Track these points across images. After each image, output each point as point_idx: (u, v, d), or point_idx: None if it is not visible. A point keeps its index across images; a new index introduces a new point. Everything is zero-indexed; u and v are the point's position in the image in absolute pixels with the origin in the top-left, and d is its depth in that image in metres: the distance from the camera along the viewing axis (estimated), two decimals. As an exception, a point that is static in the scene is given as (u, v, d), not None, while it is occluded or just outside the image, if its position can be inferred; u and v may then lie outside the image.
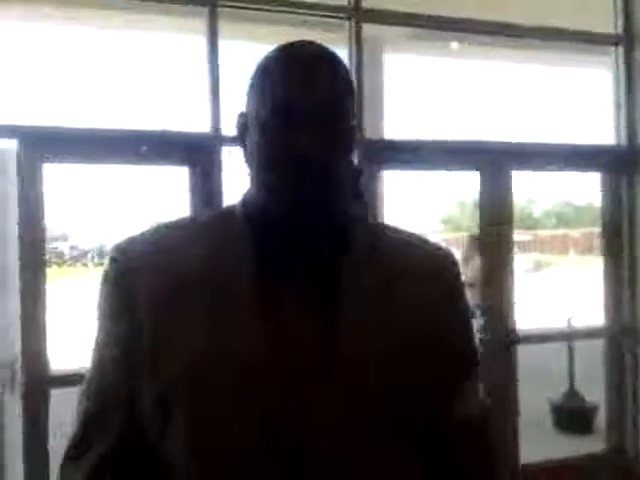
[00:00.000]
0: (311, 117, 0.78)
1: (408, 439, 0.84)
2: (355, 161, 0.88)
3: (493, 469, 0.92)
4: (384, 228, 0.97)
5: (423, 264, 0.89)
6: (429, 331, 0.84)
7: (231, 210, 0.87)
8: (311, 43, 0.84)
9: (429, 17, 3.21)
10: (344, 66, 0.86)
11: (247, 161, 0.84)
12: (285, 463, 0.76)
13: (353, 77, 3.24)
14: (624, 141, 3.48)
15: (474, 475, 0.90)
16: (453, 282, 0.92)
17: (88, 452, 0.82)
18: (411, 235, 0.94)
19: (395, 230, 0.95)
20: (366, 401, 0.79)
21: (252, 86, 0.84)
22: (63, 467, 0.84)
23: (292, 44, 0.84)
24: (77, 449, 0.83)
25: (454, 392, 0.88)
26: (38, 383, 2.51)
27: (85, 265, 21.59)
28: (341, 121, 0.81)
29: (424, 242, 0.94)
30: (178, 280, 0.80)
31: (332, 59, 0.83)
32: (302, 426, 0.76)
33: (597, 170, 3.55)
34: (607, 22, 3.51)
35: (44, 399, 2.53)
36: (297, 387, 0.77)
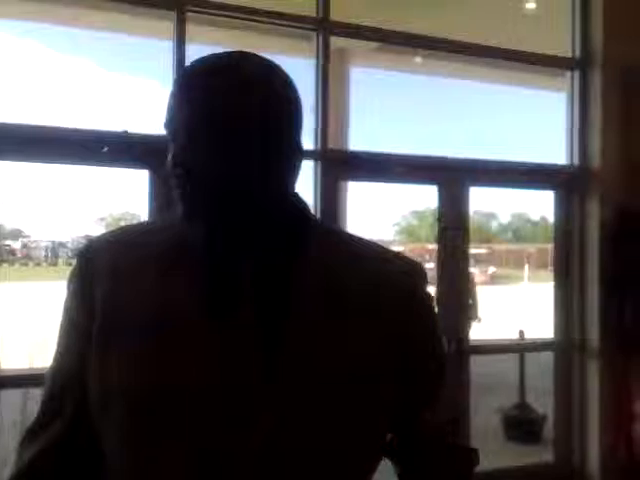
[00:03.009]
0: (235, 128, 0.75)
1: (352, 468, 0.81)
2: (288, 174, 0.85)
3: (467, 477, 0.93)
4: (349, 236, 0.91)
5: (394, 279, 0.84)
6: (397, 350, 0.82)
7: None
8: (240, 52, 0.80)
9: (396, 33, 3.27)
10: (283, 81, 0.80)
11: (171, 170, 0.79)
12: None
13: (318, 88, 3.20)
14: (577, 161, 3.61)
15: None
16: (425, 298, 0.88)
17: (40, 436, 0.83)
18: (378, 246, 0.90)
19: (359, 240, 0.90)
20: (313, 436, 0.76)
21: (174, 91, 0.79)
22: (19, 446, 0.86)
23: (219, 53, 0.80)
24: (32, 431, 0.85)
25: (425, 406, 0.88)
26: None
27: (38, 264, 21.01)
28: (269, 135, 0.77)
29: (393, 255, 0.90)
30: (134, 294, 0.79)
31: (258, 67, 0.79)
32: (233, 458, 0.74)
33: (551, 188, 3.67)
34: (565, 46, 3.64)
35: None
36: (233, 418, 0.74)
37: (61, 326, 0.86)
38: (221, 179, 0.76)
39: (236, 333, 0.76)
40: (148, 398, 0.75)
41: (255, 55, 0.81)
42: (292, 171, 0.83)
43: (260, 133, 0.77)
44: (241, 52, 0.81)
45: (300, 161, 0.84)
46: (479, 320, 5.74)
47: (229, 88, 0.76)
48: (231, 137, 0.75)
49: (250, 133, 0.76)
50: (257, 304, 0.78)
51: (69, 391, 0.82)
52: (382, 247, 0.90)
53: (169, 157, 0.79)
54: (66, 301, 0.86)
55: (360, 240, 0.90)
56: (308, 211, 0.87)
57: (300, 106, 0.83)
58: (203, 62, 0.79)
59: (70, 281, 0.85)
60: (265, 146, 0.77)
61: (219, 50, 0.82)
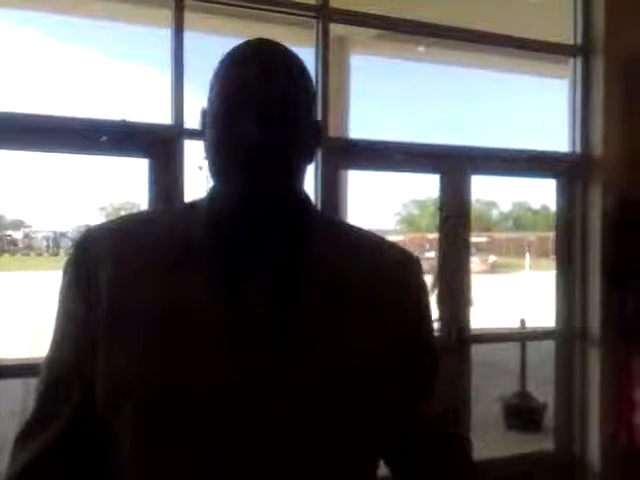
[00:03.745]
0: (262, 109, 0.78)
1: (363, 459, 0.82)
2: (310, 159, 0.86)
3: (470, 465, 0.93)
4: (348, 227, 0.93)
5: (389, 269, 0.86)
6: (396, 341, 0.83)
7: (196, 206, 0.86)
8: (270, 41, 0.84)
9: (397, 20, 3.24)
10: (302, 67, 0.85)
11: (206, 154, 0.84)
12: None
13: (318, 76, 3.20)
14: (579, 149, 3.58)
15: (454, 473, 0.91)
16: (419, 288, 0.90)
17: (39, 433, 0.81)
18: (375, 236, 0.91)
19: (358, 230, 0.92)
20: (324, 427, 0.76)
21: (211, 80, 0.84)
22: (15, 444, 0.83)
23: (252, 41, 0.84)
24: (29, 428, 0.83)
25: (421, 398, 0.89)
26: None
27: (40, 254, 21.00)
28: (292, 116, 0.80)
29: (389, 245, 0.91)
30: (138, 283, 0.78)
31: (289, 57, 0.83)
32: (246, 448, 0.73)
33: (553, 177, 3.65)
34: (567, 32, 3.60)
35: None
36: (247, 408, 0.74)
37: (57, 317, 0.85)
38: (247, 165, 0.77)
39: (248, 320, 0.76)
40: (157, 394, 0.74)
41: (279, 44, 0.84)
42: (308, 161, 0.85)
43: (285, 121, 0.79)
44: (268, 40, 0.84)
45: (312, 150, 0.86)
46: (472, 304, 5.82)
47: (260, 76, 0.79)
48: (259, 123, 0.77)
49: (274, 121, 0.78)
50: (269, 290, 0.78)
51: (67, 382, 0.81)
52: (379, 237, 0.92)
53: (207, 136, 0.83)
54: (61, 291, 0.84)
55: (359, 230, 0.91)
56: (310, 202, 0.89)
57: (315, 95, 0.87)
58: (235, 52, 0.83)
59: (65, 271, 0.84)
60: (288, 133, 0.79)
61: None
